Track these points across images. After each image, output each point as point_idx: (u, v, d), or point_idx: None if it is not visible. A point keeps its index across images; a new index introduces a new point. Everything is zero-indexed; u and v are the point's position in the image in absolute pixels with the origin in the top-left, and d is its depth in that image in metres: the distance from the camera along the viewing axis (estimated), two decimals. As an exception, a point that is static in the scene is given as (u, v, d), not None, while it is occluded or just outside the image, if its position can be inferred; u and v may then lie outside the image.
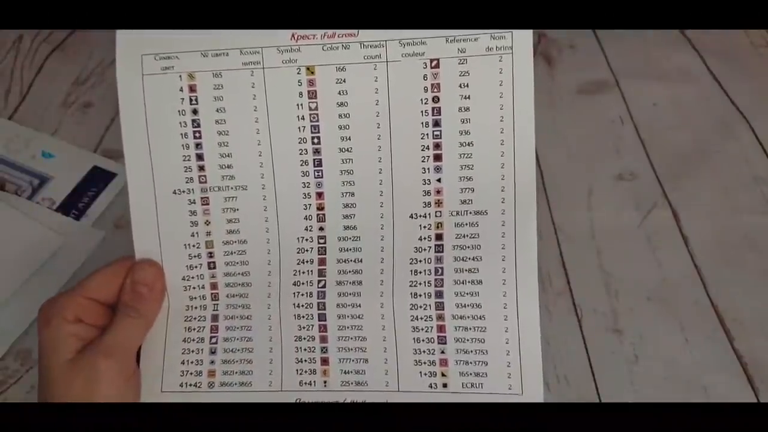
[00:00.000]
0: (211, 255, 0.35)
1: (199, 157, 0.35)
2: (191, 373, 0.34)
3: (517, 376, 0.33)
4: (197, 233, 0.35)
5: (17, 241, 0.47)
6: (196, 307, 0.35)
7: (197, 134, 0.34)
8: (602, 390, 0.40)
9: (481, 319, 0.33)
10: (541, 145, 0.54)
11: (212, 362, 0.34)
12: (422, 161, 0.34)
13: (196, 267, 0.35)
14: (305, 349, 0.34)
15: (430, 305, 0.34)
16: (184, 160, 0.35)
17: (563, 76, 0.59)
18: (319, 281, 0.34)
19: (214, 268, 0.35)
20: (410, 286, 0.34)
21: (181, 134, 0.34)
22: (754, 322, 0.43)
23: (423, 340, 0.34)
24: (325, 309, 0.34)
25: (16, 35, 0.62)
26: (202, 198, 0.35)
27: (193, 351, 0.34)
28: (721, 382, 0.41)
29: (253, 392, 0.34)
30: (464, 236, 0.34)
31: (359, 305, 0.34)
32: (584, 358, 0.42)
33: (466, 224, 0.34)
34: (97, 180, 0.52)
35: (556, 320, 0.44)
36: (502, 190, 0.33)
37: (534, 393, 0.33)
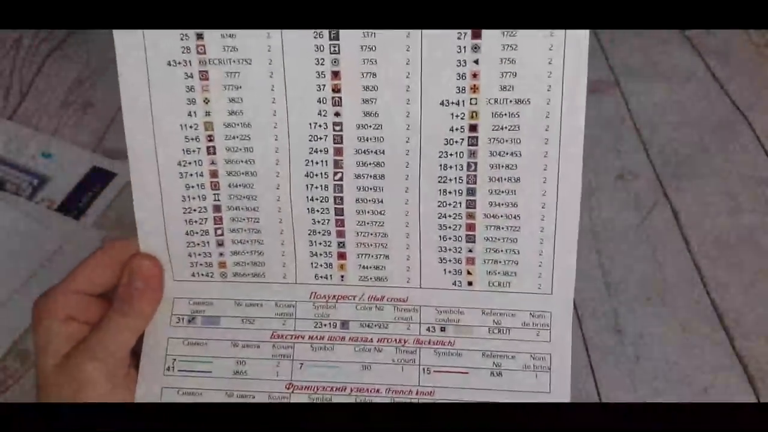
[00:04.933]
0: (210, 138, 0.32)
1: None
2: (201, 264, 0.32)
3: (548, 276, 0.31)
4: (195, 112, 0.31)
5: (17, 241, 0.47)
6: (194, 197, 0.32)
7: None
8: (602, 390, 0.40)
9: (515, 218, 0.31)
10: (541, 145, 0.54)
11: (221, 254, 0.33)
12: (457, 38, 0.30)
13: (193, 151, 0.32)
14: (320, 243, 0.32)
15: (460, 203, 0.31)
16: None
17: (563, 76, 0.59)
18: (335, 173, 0.32)
19: (214, 153, 0.32)
20: (439, 181, 0.31)
21: None
22: (754, 322, 0.43)
23: (450, 238, 0.32)
24: (342, 203, 0.32)
25: (16, 35, 0.63)
26: (200, 72, 0.31)
27: (198, 244, 0.32)
28: (721, 382, 0.41)
29: (268, 283, 0.32)
30: (503, 128, 0.30)
31: (381, 201, 0.32)
32: (584, 358, 0.42)
33: (505, 114, 0.30)
34: (96, 180, 0.52)
35: (556, 320, 0.44)
36: (549, 76, 0.30)
37: (564, 292, 0.31)
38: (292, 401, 0.31)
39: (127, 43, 0.31)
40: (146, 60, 0.31)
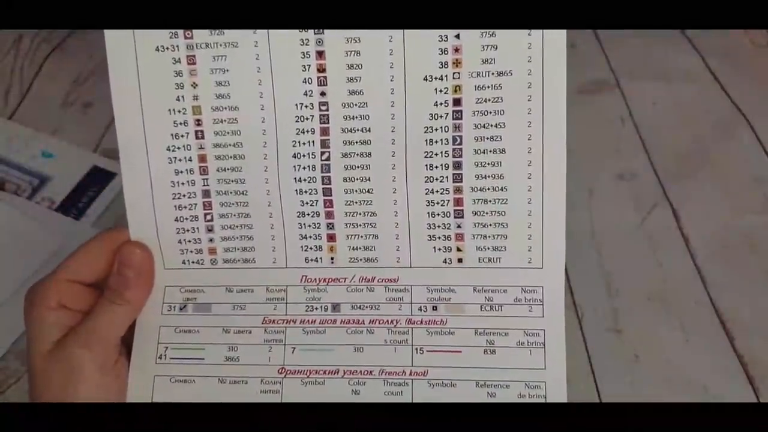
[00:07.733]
0: (198, 122, 0.32)
1: None
2: (191, 251, 0.33)
3: (538, 250, 0.31)
4: (183, 97, 0.32)
5: (17, 241, 0.47)
6: (183, 183, 0.32)
7: None
8: (602, 390, 0.40)
9: (502, 190, 0.31)
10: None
11: (211, 240, 0.33)
12: None
13: (182, 136, 0.32)
14: (309, 225, 0.32)
15: (446, 177, 0.31)
16: None
17: (563, 76, 0.60)
18: (322, 153, 0.32)
19: (202, 137, 0.32)
20: (425, 157, 0.31)
21: None
22: (754, 322, 0.43)
23: (438, 215, 0.32)
24: (330, 183, 0.32)
25: (16, 35, 0.63)
26: (188, 56, 0.31)
27: (188, 230, 0.33)
28: (721, 382, 0.41)
29: (258, 269, 0.33)
30: (486, 100, 0.31)
31: (368, 179, 0.32)
32: (584, 358, 0.42)
33: (488, 86, 0.31)
34: (96, 180, 0.52)
35: (556, 320, 0.44)
36: (529, 47, 0.30)
37: (555, 266, 0.31)
38: (285, 386, 0.31)
39: (116, 29, 0.31)
40: (135, 46, 0.31)
